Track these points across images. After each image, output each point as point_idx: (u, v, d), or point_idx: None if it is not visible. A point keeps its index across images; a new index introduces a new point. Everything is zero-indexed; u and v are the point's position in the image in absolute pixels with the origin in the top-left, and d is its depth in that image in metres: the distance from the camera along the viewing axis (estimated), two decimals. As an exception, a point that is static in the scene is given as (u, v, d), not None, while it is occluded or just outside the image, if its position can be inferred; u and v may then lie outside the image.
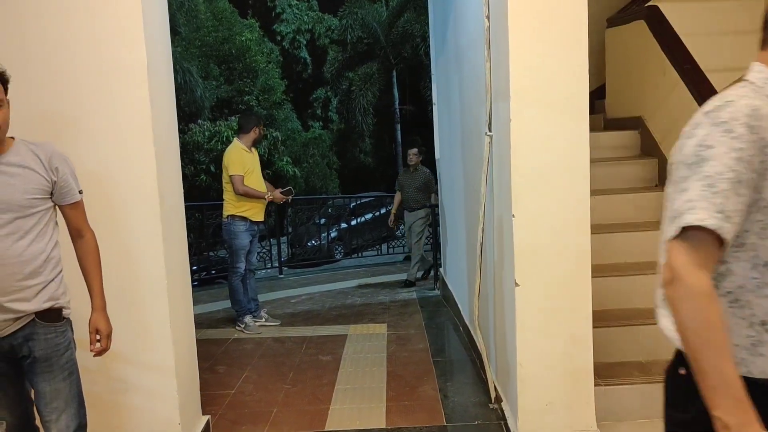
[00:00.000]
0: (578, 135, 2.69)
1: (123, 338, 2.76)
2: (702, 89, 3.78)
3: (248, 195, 4.82)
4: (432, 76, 6.13)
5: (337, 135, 20.42)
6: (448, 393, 3.62)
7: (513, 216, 2.75)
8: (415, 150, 6.91)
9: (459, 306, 5.00)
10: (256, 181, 4.95)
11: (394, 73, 18.74)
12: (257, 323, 5.09)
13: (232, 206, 4.87)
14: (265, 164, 12.06)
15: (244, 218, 4.87)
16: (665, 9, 4.40)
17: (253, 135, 5.00)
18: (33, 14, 2.58)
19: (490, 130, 3.14)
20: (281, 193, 5.16)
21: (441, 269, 6.49)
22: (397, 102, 19.00)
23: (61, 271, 2.16)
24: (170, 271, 2.79)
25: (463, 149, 4.33)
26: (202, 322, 5.18)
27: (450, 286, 5.64)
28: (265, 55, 19.76)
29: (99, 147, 2.65)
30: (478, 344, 3.94)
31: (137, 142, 2.65)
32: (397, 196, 7.06)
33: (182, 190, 3.10)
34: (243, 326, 4.99)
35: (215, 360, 4.31)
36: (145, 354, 2.78)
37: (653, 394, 3.14)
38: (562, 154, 2.70)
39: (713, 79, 3.92)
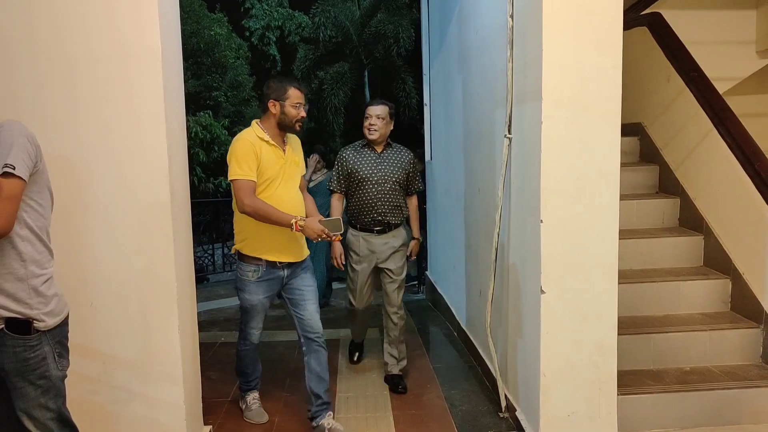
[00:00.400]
0: (611, 139, 2.64)
1: (129, 344, 2.58)
2: (710, 97, 3.79)
3: (259, 215, 2.82)
4: (424, 78, 6.03)
5: (307, 134, 20.19)
6: (455, 401, 3.52)
7: (541, 221, 2.67)
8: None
9: (453, 311, 4.91)
10: (281, 192, 2.95)
11: (366, 73, 18.60)
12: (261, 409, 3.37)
13: (236, 235, 3.05)
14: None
15: (254, 258, 2.97)
16: (665, 16, 4.42)
17: (274, 113, 2.97)
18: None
19: (509, 132, 3.06)
20: (323, 223, 2.91)
21: (427, 272, 6.40)
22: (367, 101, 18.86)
23: (40, 275, 1.88)
24: (179, 273, 2.61)
25: (467, 151, 4.25)
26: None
27: (440, 290, 5.55)
28: (234, 50, 19.36)
29: (111, 134, 2.46)
30: (481, 351, 3.86)
31: (150, 134, 2.47)
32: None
33: (189, 188, 2.92)
34: (244, 406, 3.40)
35: (206, 365, 4.10)
36: (152, 361, 2.60)
37: (667, 403, 3.12)
38: (593, 159, 2.64)
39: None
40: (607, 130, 2.63)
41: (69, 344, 2.01)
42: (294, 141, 3.18)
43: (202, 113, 14.83)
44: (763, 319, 3.37)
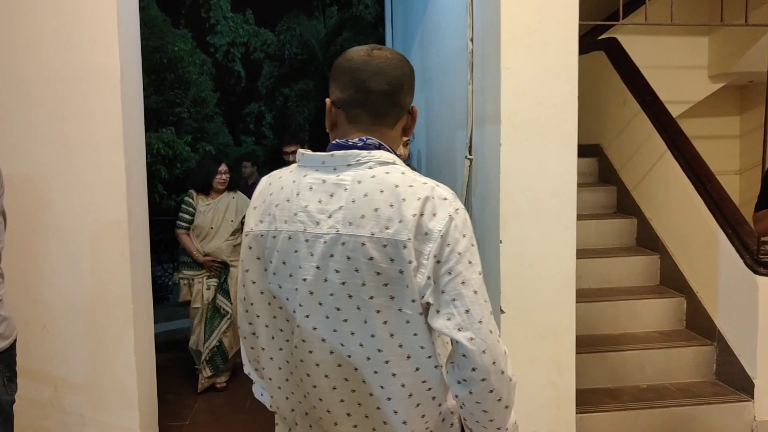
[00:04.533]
0: (567, 161, 2.69)
1: (82, 368, 2.51)
2: (663, 120, 3.91)
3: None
4: (388, 96, 6.08)
5: (271, 151, 20.09)
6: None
7: (500, 242, 2.70)
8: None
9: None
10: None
11: (331, 91, 18.68)
12: None
13: None
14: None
15: None
16: (621, 41, 4.56)
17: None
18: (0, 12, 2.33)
19: (470, 154, 3.10)
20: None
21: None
22: (333, 120, 18.89)
23: None
24: (136, 294, 2.56)
25: (430, 172, 4.29)
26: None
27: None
28: (198, 66, 19.20)
29: (68, 153, 2.42)
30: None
31: (108, 153, 2.44)
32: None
33: (147, 207, 2.87)
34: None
35: (164, 388, 4.01)
36: (106, 385, 2.53)
37: (623, 421, 3.17)
38: (551, 180, 2.69)
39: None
40: (563, 153, 2.69)
41: (18, 368, 1.94)
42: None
43: (164, 129, 14.62)
44: (716, 337, 3.47)
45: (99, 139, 2.42)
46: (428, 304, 1.11)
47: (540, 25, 2.63)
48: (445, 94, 3.70)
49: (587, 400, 3.25)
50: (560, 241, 2.72)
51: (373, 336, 1.13)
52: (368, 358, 1.14)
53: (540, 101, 2.65)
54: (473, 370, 1.10)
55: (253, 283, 1.24)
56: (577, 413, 3.04)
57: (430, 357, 1.15)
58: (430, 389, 1.17)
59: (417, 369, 1.15)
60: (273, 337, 1.24)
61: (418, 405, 1.17)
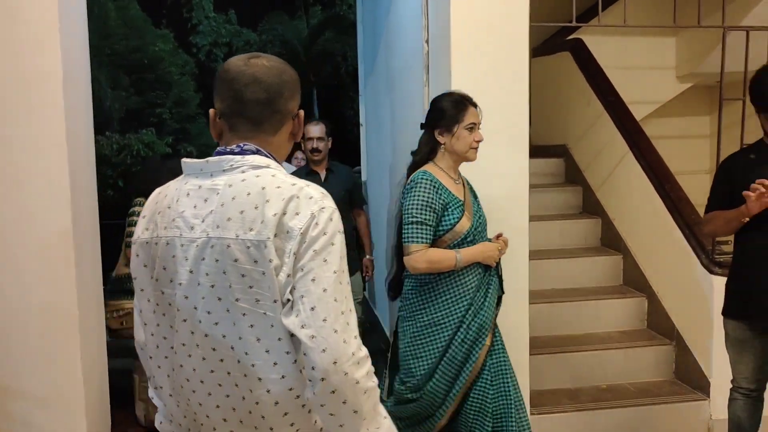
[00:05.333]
0: (519, 165, 2.70)
1: (28, 375, 2.47)
2: (625, 121, 3.93)
3: None
4: (360, 98, 6.07)
5: (254, 152, 20.04)
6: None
7: (453, 244, 2.70)
8: None
9: (386, 332, 4.90)
10: None
11: (314, 91, 18.62)
12: None
13: None
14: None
15: None
16: (587, 42, 4.57)
17: None
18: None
19: (427, 156, 3.09)
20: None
21: (365, 292, 6.37)
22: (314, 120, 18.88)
23: None
24: (84, 300, 2.53)
25: (393, 173, 4.28)
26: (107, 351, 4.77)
27: (377, 314, 5.54)
28: (180, 66, 19.08)
29: (11, 159, 2.38)
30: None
31: (51, 158, 2.39)
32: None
33: (97, 210, 2.84)
34: None
35: (120, 394, 3.97)
36: (53, 393, 2.49)
37: (583, 422, 3.17)
38: (503, 183, 2.69)
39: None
40: (515, 155, 2.69)
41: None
42: None
43: (144, 131, 14.51)
44: (674, 336, 3.49)
45: (42, 145, 2.38)
46: (288, 301, 1.12)
47: (490, 26, 2.63)
48: (407, 95, 3.69)
49: (547, 401, 3.26)
50: (513, 244, 2.71)
51: (240, 339, 1.13)
52: (238, 362, 1.14)
53: (490, 103, 2.63)
54: (312, 368, 1.09)
55: (142, 290, 1.25)
56: (535, 414, 3.05)
57: (295, 362, 1.14)
58: (298, 397, 1.16)
59: (283, 376, 1.14)
60: (158, 346, 1.24)
61: (286, 414, 1.16)
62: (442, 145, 2.34)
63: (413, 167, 2.40)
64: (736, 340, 2.55)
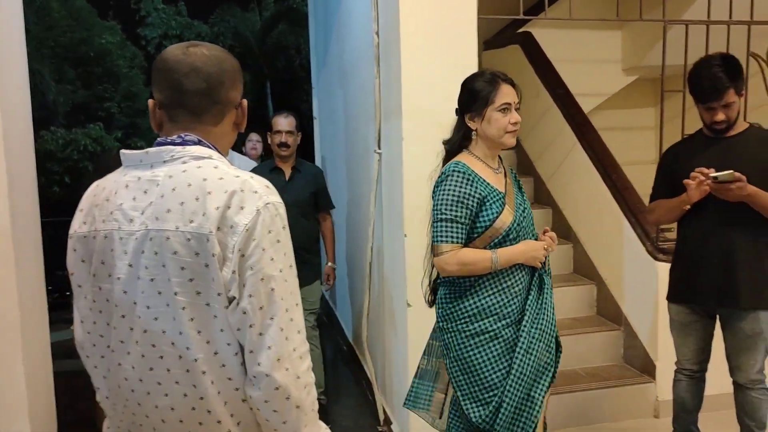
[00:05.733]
0: (469, 155, 2.71)
1: (-37, 381, 2.37)
2: (573, 113, 4.01)
3: None
4: (313, 90, 6.02)
5: (207, 146, 19.67)
6: (336, 417, 3.50)
7: (405, 235, 2.71)
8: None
9: (342, 325, 4.90)
10: None
11: (268, 84, 18.39)
12: None
13: None
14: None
15: None
16: (537, 35, 4.64)
17: None
18: None
19: (379, 148, 3.09)
20: None
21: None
22: (271, 113, 18.67)
23: None
24: (25, 300, 2.43)
25: (348, 166, 4.27)
26: (57, 352, 4.63)
27: (332, 305, 5.53)
28: (128, 59, 18.57)
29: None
30: (365, 365, 3.87)
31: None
32: None
33: (38, 207, 2.74)
34: None
35: (76, 396, 3.86)
36: (-8, 398, 2.40)
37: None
38: (453, 174, 2.70)
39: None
40: (465, 146, 2.70)
41: None
42: None
43: (92, 125, 14.09)
44: (623, 322, 3.59)
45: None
46: (233, 298, 1.10)
47: (439, 18, 2.64)
48: (358, 88, 3.68)
49: (501, 388, 3.30)
50: (464, 234, 2.74)
51: (181, 333, 1.11)
52: (180, 357, 1.12)
53: (441, 95, 2.65)
54: (258, 365, 1.09)
55: (80, 287, 1.22)
56: (489, 402, 3.08)
57: (236, 354, 1.13)
58: (237, 389, 1.15)
59: (223, 366, 1.13)
60: (95, 344, 1.21)
61: (226, 403, 1.14)
62: (474, 131, 2.09)
63: (446, 158, 2.17)
64: (679, 324, 2.64)
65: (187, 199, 1.11)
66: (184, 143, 1.17)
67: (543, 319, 2.06)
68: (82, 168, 13.01)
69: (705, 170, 2.35)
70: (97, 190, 1.22)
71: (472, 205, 1.99)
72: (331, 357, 4.68)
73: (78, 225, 1.21)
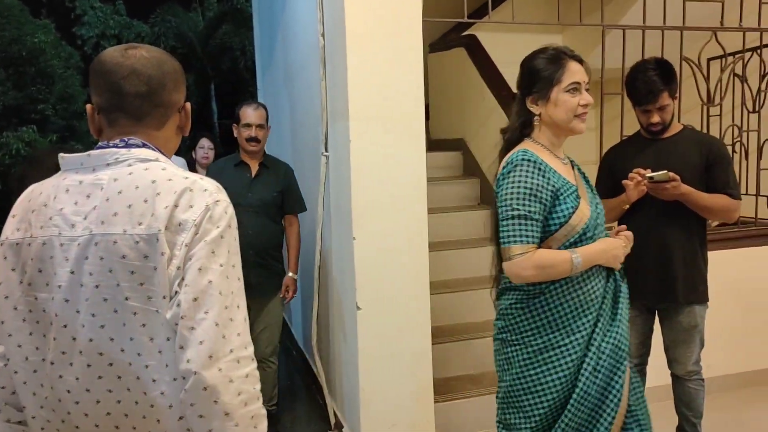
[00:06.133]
0: (416, 156, 2.73)
1: None
2: (517, 115, 4.08)
3: None
4: (259, 92, 5.94)
5: (149, 149, 19.13)
6: (287, 423, 3.45)
7: (354, 238, 2.70)
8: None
9: (292, 330, 4.85)
10: None
11: (213, 86, 18.05)
12: None
13: None
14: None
15: None
16: (482, 38, 4.71)
17: None
18: None
19: (326, 150, 3.07)
20: None
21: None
22: (215, 116, 18.32)
23: None
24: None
25: (295, 168, 4.21)
26: None
27: (293, 331, 5.46)
28: (63, 59, 17.88)
29: None
30: (315, 369, 3.84)
31: None
32: None
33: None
34: None
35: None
36: None
37: (486, 406, 3.27)
38: (401, 175, 2.72)
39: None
40: (412, 147, 2.72)
41: None
42: None
43: (25, 128, 13.50)
44: (567, 319, 3.67)
45: None
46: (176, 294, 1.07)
47: (384, 20, 2.64)
48: (305, 90, 3.65)
49: (452, 388, 3.33)
50: (413, 235, 2.76)
51: (132, 339, 1.07)
52: (130, 364, 1.08)
53: (387, 96, 2.66)
54: (188, 361, 1.02)
55: (6, 298, 1.15)
56: (440, 402, 3.11)
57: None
58: None
59: (174, 379, 1.07)
60: (27, 358, 1.15)
61: (181, 418, 1.09)
62: (537, 116, 1.84)
63: (505, 148, 1.90)
64: (620, 319, 2.72)
65: (135, 202, 1.07)
66: (128, 146, 1.14)
67: (616, 332, 1.81)
68: (14, 173, 12.45)
69: (642, 171, 2.43)
70: (32, 195, 1.16)
71: (546, 199, 1.73)
72: (281, 361, 4.62)
73: (10, 231, 1.15)
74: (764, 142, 3.86)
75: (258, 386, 1.09)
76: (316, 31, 3.07)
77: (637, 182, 2.43)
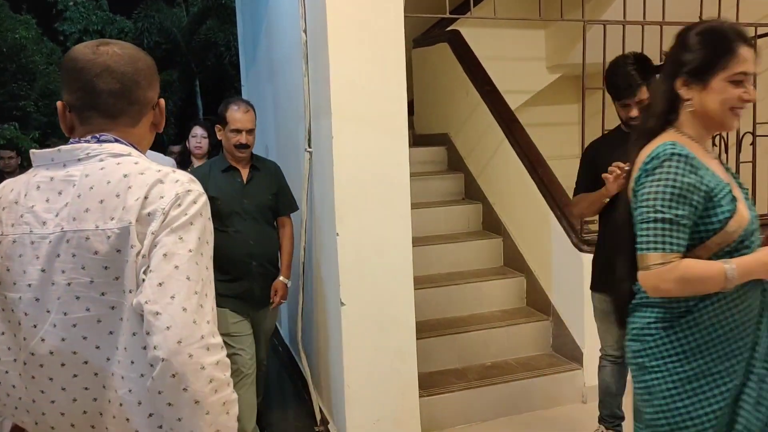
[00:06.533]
0: (398, 152, 2.74)
1: None
2: (501, 110, 4.11)
3: None
4: (243, 88, 5.91)
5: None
6: (273, 419, 3.46)
7: (337, 234, 2.70)
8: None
9: (277, 326, 4.84)
10: None
11: (197, 82, 17.91)
12: None
13: None
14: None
15: None
16: (465, 34, 4.72)
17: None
18: None
19: (309, 147, 3.07)
20: None
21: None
22: (201, 112, 18.20)
23: None
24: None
25: (279, 165, 4.21)
26: None
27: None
28: (45, 55, 17.66)
29: None
30: (300, 366, 3.84)
31: None
32: None
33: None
34: None
35: None
36: None
37: (470, 400, 3.30)
38: (384, 171, 2.72)
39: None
40: (395, 143, 2.73)
41: None
42: None
43: (6, 125, 13.33)
44: (551, 312, 3.71)
45: None
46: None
47: (366, 16, 2.64)
48: (288, 86, 3.64)
49: (436, 382, 3.35)
50: (396, 231, 2.77)
51: (111, 333, 1.07)
52: (108, 359, 1.08)
53: (369, 93, 2.67)
54: (155, 348, 0.98)
55: None
56: (424, 396, 3.13)
57: None
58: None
59: (142, 375, 1.06)
60: None
61: (151, 415, 1.08)
62: (687, 102, 1.56)
63: (643, 137, 1.62)
64: (602, 312, 2.75)
65: (107, 197, 1.06)
66: (100, 142, 1.13)
67: None
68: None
69: (621, 164, 2.45)
70: (3, 192, 1.16)
71: (698, 201, 1.47)
72: (270, 356, 4.61)
73: None
74: (743, 135, 3.90)
75: (228, 373, 1.05)
76: (298, 27, 3.06)
77: (616, 176, 2.45)
